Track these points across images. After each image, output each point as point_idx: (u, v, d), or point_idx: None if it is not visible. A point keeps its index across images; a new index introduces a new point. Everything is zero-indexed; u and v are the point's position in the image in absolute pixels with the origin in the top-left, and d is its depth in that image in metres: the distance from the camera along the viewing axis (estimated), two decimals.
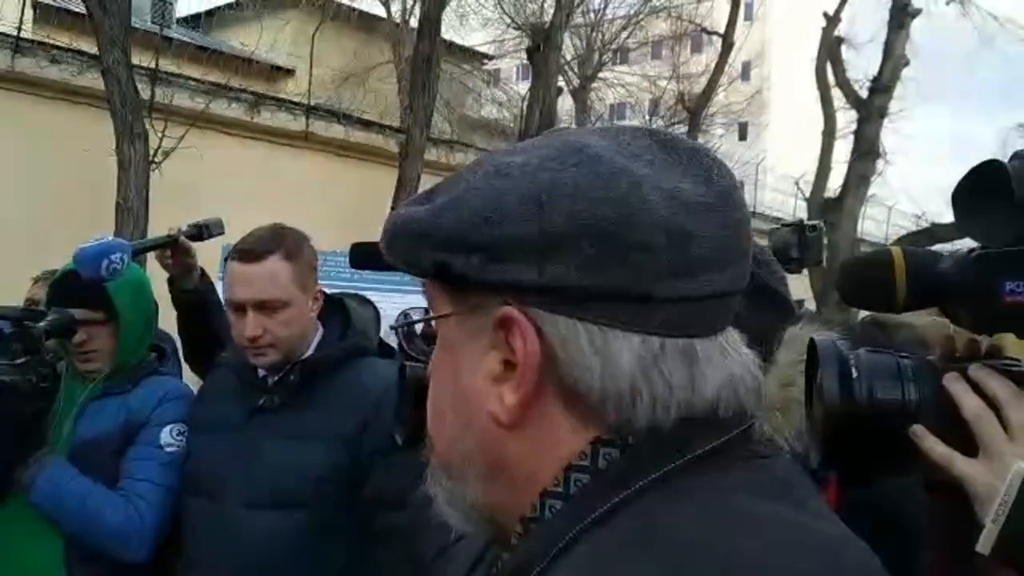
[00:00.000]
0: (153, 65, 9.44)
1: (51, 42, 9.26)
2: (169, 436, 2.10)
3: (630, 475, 0.62)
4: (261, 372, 2.07)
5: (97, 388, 2.13)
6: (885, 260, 1.01)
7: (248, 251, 2.02)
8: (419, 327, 1.62)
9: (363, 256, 0.95)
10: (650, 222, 0.61)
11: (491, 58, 19.01)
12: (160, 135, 8.79)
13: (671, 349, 0.63)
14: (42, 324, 2.06)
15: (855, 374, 0.96)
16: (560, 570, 0.60)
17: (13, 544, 2.02)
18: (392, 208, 9.41)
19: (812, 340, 1.02)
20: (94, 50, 8.43)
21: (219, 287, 2.30)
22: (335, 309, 2.16)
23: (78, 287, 2.00)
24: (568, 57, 16.27)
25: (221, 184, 8.75)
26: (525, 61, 14.19)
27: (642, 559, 0.56)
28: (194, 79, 10.02)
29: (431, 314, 0.72)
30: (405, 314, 1.63)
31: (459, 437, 0.69)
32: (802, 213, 13.67)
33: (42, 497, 1.98)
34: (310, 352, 2.08)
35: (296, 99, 10.90)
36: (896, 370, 0.97)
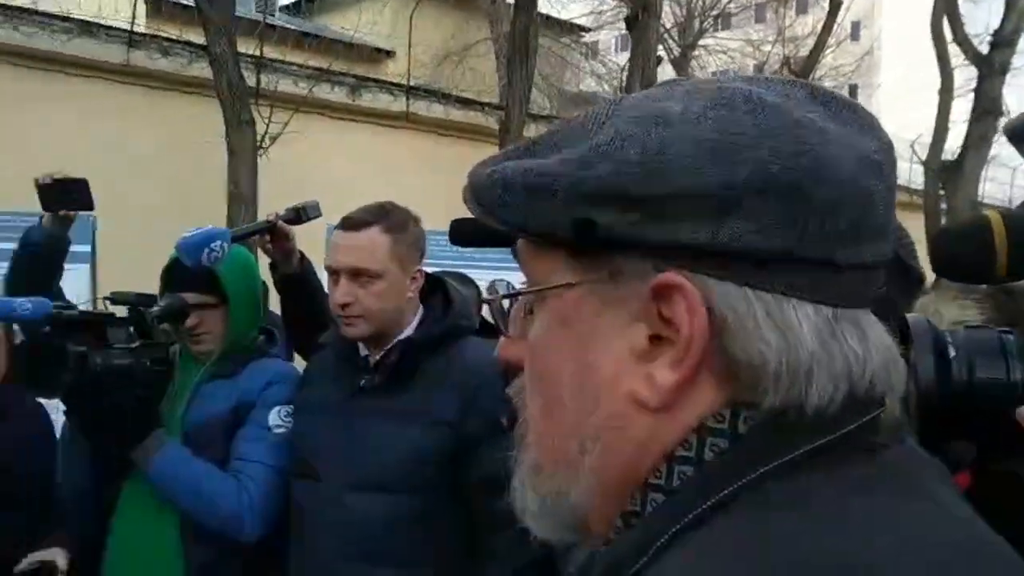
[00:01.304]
0: (258, 53, 9.68)
1: (162, 35, 9.58)
2: (277, 417, 2.13)
3: (748, 465, 0.54)
4: (363, 352, 2.08)
5: (209, 371, 2.17)
6: (982, 225, 0.91)
7: (351, 220, 2.04)
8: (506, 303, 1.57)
9: (464, 232, 0.90)
10: (838, 180, 0.54)
11: (589, 30, 18.75)
12: (267, 121, 9.01)
13: (844, 321, 0.55)
14: (155, 309, 2.11)
15: (952, 353, 0.88)
16: (659, 572, 0.54)
17: (134, 521, 2.09)
18: None
19: (904, 319, 0.93)
20: (202, 40, 8.69)
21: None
22: (436, 289, 2.15)
23: (189, 272, 2.04)
24: (667, 25, 15.90)
25: (326, 167, 8.93)
26: (623, 31, 13.94)
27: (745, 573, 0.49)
28: (297, 64, 10.23)
29: (528, 285, 0.63)
30: (494, 287, 1.58)
31: (578, 424, 0.60)
32: (918, 177, 13.03)
33: (158, 477, 2.04)
34: (410, 332, 2.06)
35: (396, 80, 11.00)
36: (999, 348, 0.88)
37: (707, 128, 0.55)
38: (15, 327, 2.32)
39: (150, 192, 8.25)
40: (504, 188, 0.59)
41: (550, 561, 1.90)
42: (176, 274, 2.13)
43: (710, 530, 0.53)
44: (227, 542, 2.05)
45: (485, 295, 1.69)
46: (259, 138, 8.75)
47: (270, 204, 8.22)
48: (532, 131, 10.36)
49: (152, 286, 2.40)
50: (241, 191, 8.51)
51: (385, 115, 10.61)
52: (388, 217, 2.05)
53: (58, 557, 2.09)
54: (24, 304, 2.02)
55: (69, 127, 8.14)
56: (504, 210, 0.60)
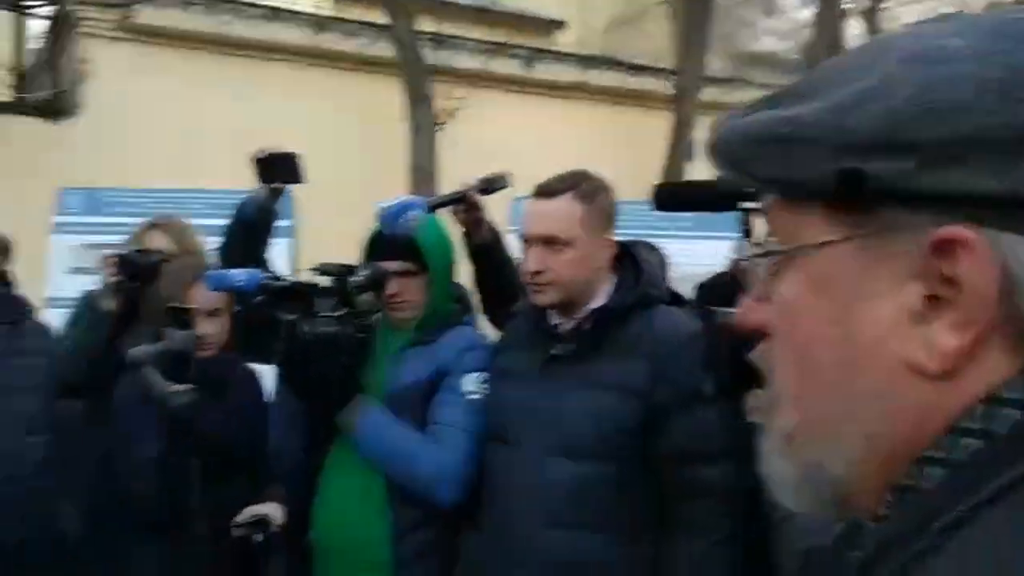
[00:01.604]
0: (436, 30, 9.90)
1: (346, 17, 9.97)
2: (472, 384, 2.18)
3: None
4: (554, 321, 2.08)
5: (408, 339, 2.25)
6: None
7: (543, 188, 2.05)
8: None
9: (668, 197, 0.86)
10: None
11: None
12: (444, 97, 9.22)
13: None
14: (356, 279, 2.20)
15: None
16: (946, 554, 0.50)
17: (341, 482, 2.20)
18: (672, 152, 9.26)
19: None
20: (384, 21, 8.97)
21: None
22: (625, 257, 2.12)
23: (391, 241, 2.11)
24: None
25: (502, 140, 9.02)
26: None
27: None
28: (473, 39, 10.38)
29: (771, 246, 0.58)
30: (743, 247, 1.50)
31: (840, 392, 0.55)
32: None
33: (362, 441, 2.14)
34: (603, 300, 2.05)
35: (568, 51, 10.96)
36: None
37: (993, 64, 0.49)
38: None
39: (339, 168, 8.62)
40: (757, 141, 0.55)
41: (755, 535, 1.86)
42: (378, 243, 2.21)
43: (1009, 507, 0.48)
44: (429, 505, 2.12)
45: (735, 255, 1.64)
46: (438, 114, 8.98)
47: (449, 177, 8.43)
48: (708, 96, 10.08)
49: (343, 257, 2.52)
50: (422, 165, 8.77)
51: (558, 86, 10.61)
52: (580, 185, 2.04)
53: (274, 511, 2.23)
54: (239, 275, 2.15)
55: (266, 108, 8.61)
56: (757, 164, 0.56)
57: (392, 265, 2.20)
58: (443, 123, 9.02)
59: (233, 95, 8.84)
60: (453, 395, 2.18)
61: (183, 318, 2.17)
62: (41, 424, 2.38)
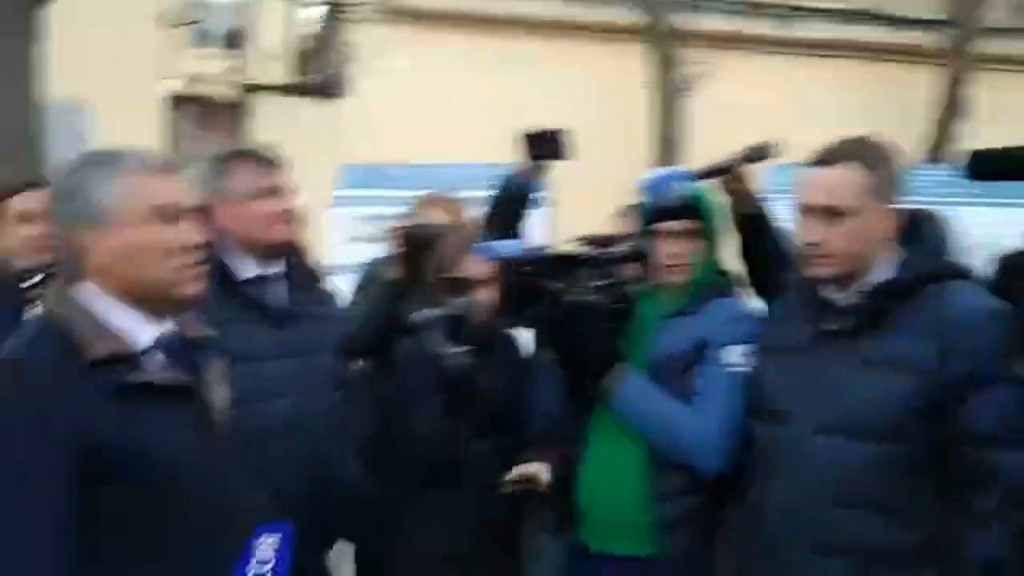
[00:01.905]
0: None
1: None
2: (736, 356, 2.16)
3: None
4: (830, 294, 2.01)
5: (671, 308, 2.26)
6: None
7: (823, 155, 1.96)
8: None
9: (987, 165, 0.81)
10: None
11: None
12: (692, 62, 9.04)
13: None
14: (619, 249, 2.25)
15: None
16: None
17: (603, 449, 2.26)
18: (945, 112, 8.56)
19: None
20: None
21: None
22: (909, 228, 2.00)
23: (675, 205, 2.13)
24: None
25: (753, 104, 8.72)
26: None
27: None
28: (724, 0, 10.07)
29: None
30: None
31: None
32: None
33: (624, 407, 2.19)
34: (887, 275, 1.94)
35: (829, 6, 10.35)
36: None
37: None
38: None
39: (587, 139, 8.71)
40: None
41: None
42: (656, 208, 2.21)
43: None
44: (691, 473, 2.14)
45: None
46: (684, 79, 8.82)
47: (696, 145, 8.29)
48: (987, 48, 9.17)
49: (595, 227, 2.57)
50: (667, 133, 8.68)
51: (817, 44, 10.06)
52: (863, 152, 1.93)
53: (542, 472, 2.33)
54: (506, 246, 2.27)
55: (521, 82, 8.86)
56: None
57: (675, 225, 2.21)
58: (690, 89, 8.85)
59: (491, 70, 9.16)
60: (716, 367, 2.17)
61: (459, 286, 2.32)
62: (332, 383, 2.61)
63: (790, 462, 1.95)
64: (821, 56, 10.05)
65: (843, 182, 1.90)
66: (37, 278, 2.69)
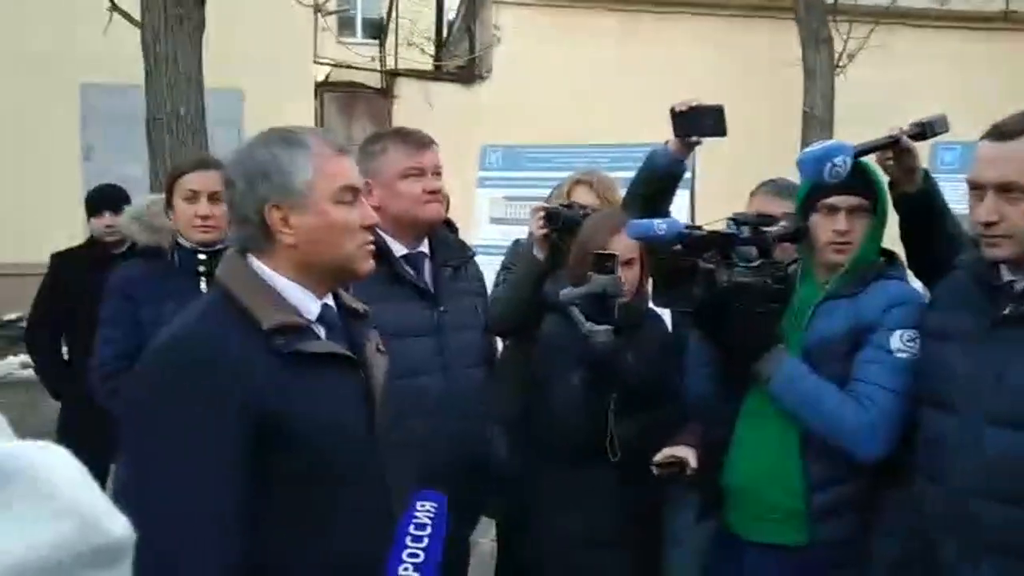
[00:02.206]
0: None
1: None
2: (899, 341, 2.06)
3: None
4: (1006, 277, 1.88)
5: (829, 289, 2.18)
6: None
7: (1001, 127, 1.83)
8: None
9: None
10: None
11: None
12: (845, 38, 8.67)
13: None
14: (775, 229, 2.18)
15: None
16: None
17: (756, 431, 2.21)
18: None
19: None
20: None
21: None
22: None
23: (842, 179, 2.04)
24: None
25: (911, 81, 8.31)
26: None
27: None
28: None
29: None
30: None
31: None
32: None
33: (779, 391, 2.12)
34: None
35: None
36: None
37: None
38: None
39: (731, 119, 8.53)
40: None
41: None
42: (820, 182, 2.11)
43: None
44: (846, 460, 2.06)
45: None
46: (836, 56, 8.48)
47: (847, 124, 7.98)
48: None
49: (740, 206, 2.49)
50: (816, 112, 8.37)
51: (979, 17, 9.48)
52: None
53: (689, 455, 2.30)
54: (660, 224, 2.23)
55: (660, 61, 8.73)
56: None
57: (842, 200, 2.13)
58: (843, 66, 8.49)
59: (633, 51, 9.08)
60: (878, 352, 2.07)
61: (606, 264, 2.30)
62: (480, 358, 2.66)
63: (956, 453, 1.86)
64: (987, 29, 9.46)
65: (1021, 156, 1.78)
66: (204, 254, 2.86)
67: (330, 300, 1.71)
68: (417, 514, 1.29)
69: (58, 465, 0.52)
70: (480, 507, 2.78)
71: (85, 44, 7.91)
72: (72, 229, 7.82)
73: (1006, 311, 1.84)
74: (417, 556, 1.24)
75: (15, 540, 0.48)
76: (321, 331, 1.65)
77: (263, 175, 1.60)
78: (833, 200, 2.13)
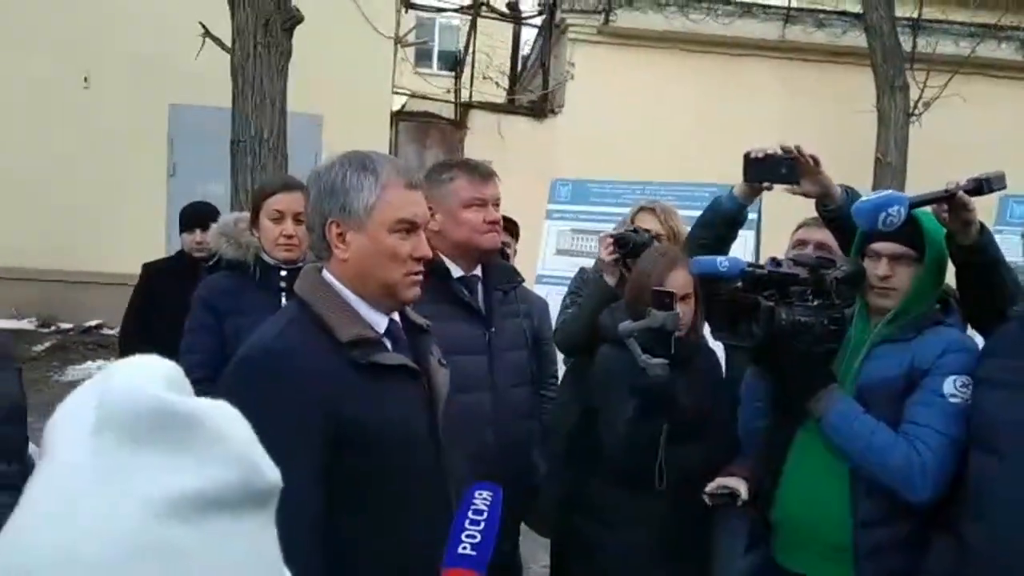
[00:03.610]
0: (915, 15, 9.27)
1: (818, 8, 9.76)
2: (952, 387, 2.10)
3: None
4: None
5: (882, 333, 2.23)
6: None
7: None
8: None
9: None
10: None
11: None
12: (921, 86, 8.62)
13: None
14: (834, 272, 2.24)
15: None
16: None
17: (806, 468, 2.26)
18: None
19: None
20: (857, 9, 8.63)
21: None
22: None
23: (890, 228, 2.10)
24: None
25: (987, 132, 8.21)
26: None
27: None
28: (959, 23, 9.54)
29: None
30: None
31: None
32: None
33: (831, 429, 2.17)
34: None
35: None
36: None
37: None
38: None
39: None
40: None
41: None
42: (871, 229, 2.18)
43: None
44: (895, 501, 2.10)
45: None
46: (912, 104, 8.43)
47: (920, 172, 7.91)
48: None
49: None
50: (890, 159, 8.32)
51: None
52: None
53: (741, 487, 2.36)
54: (723, 262, 2.31)
55: (732, 103, 8.79)
56: None
57: (887, 247, 2.19)
58: (918, 114, 8.44)
59: (705, 91, 9.15)
60: (931, 396, 2.12)
61: (665, 300, 2.38)
62: (524, 377, 2.77)
63: (1008, 499, 1.89)
64: None
65: None
66: (285, 271, 3.02)
67: (396, 316, 1.83)
68: (475, 502, 1.41)
69: (231, 418, 0.65)
70: (519, 519, 2.87)
71: (176, 66, 8.30)
72: (156, 242, 8.19)
73: None
74: (474, 537, 1.35)
75: (192, 475, 0.60)
76: (389, 344, 1.78)
77: (331, 192, 1.75)
78: (877, 246, 2.20)
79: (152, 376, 0.63)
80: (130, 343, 4.31)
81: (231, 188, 5.98)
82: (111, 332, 8.99)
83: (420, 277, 1.81)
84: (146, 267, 4.44)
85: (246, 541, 0.63)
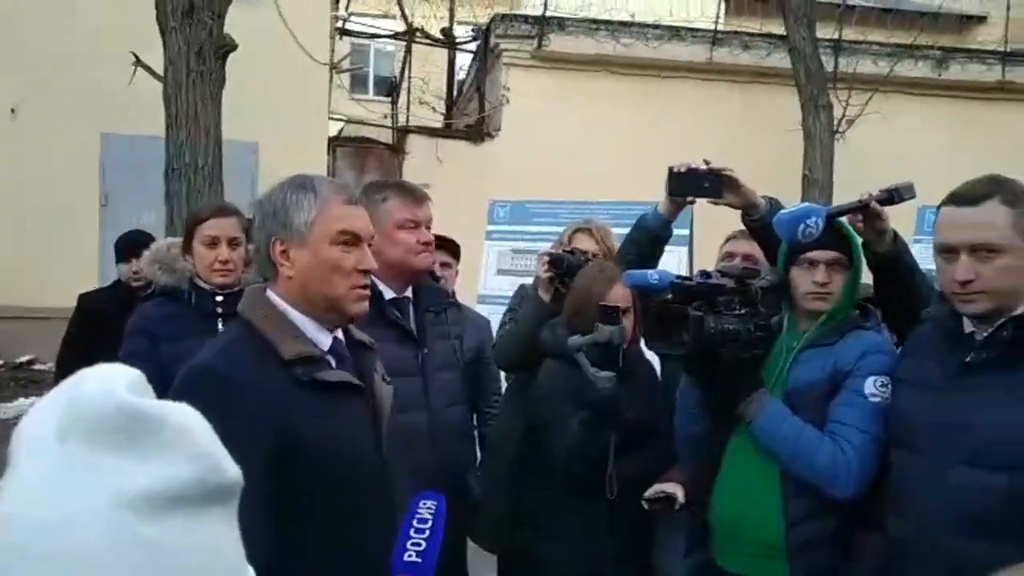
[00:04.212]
0: (836, 36, 9.60)
1: (743, 31, 10.05)
2: (873, 387, 2.20)
3: None
4: (968, 328, 2.03)
5: (808, 338, 2.33)
6: None
7: (963, 195, 1.99)
8: None
9: None
10: None
11: None
12: (844, 104, 8.92)
13: None
14: (759, 282, 2.34)
15: None
16: None
17: (739, 470, 2.34)
18: None
19: None
20: (781, 31, 8.92)
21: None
22: None
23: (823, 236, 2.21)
24: None
25: (906, 147, 8.53)
26: None
27: None
28: (877, 43, 9.92)
29: None
30: None
31: None
32: None
33: (761, 432, 2.26)
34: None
35: (990, 48, 10.03)
36: None
37: None
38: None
39: None
40: None
41: None
42: (804, 238, 2.28)
43: None
44: (823, 498, 2.19)
45: None
46: (836, 122, 8.71)
47: (845, 188, 8.16)
48: None
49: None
50: (816, 176, 8.57)
51: (975, 87, 9.76)
52: (1004, 188, 1.96)
53: (678, 492, 2.43)
54: (654, 275, 2.40)
55: (663, 123, 8.98)
56: None
57: (825, 255, 2.29)
58: (842, 132, 8.73)
59: (634, 112, 9.34)
60: (853, 396, 2.22)
61: (611, 315, 2.46)
62: (458, 396, 2.81)
63: (926, 493, 1.98)
64: (982, 100, 9.72)
65: (992, 219, 1.93)
66: (221, 295, 3.02)
67: (340, 334, 1.87)
68: (420, 511, 1.45)
69: (194, 419, 0.69)
70: (461, 535, 2.90)
71: (108, 95, 8.19)
72: (88, 273, 8.03)
73: (969, 359, 1.98)
74: (420, 545, 1.39)
75: (157, 473, 0.64)
76: (332, 362, 1.81)
77: (273, 213, 1.80)
78: (813, 255, 2.30)
79: (117, 381, 0.67)
80: (67, 376, 4.22)
81: (166, 217, 5.91)
82: (44, 367, 8.78)
83: (367, 291, 1.83)
84: (82, 298, 4.38)
85: (210, 536, 0.67)
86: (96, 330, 4.02)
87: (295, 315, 1.79)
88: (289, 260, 1.78)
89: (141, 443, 0.64)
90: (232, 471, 0.69)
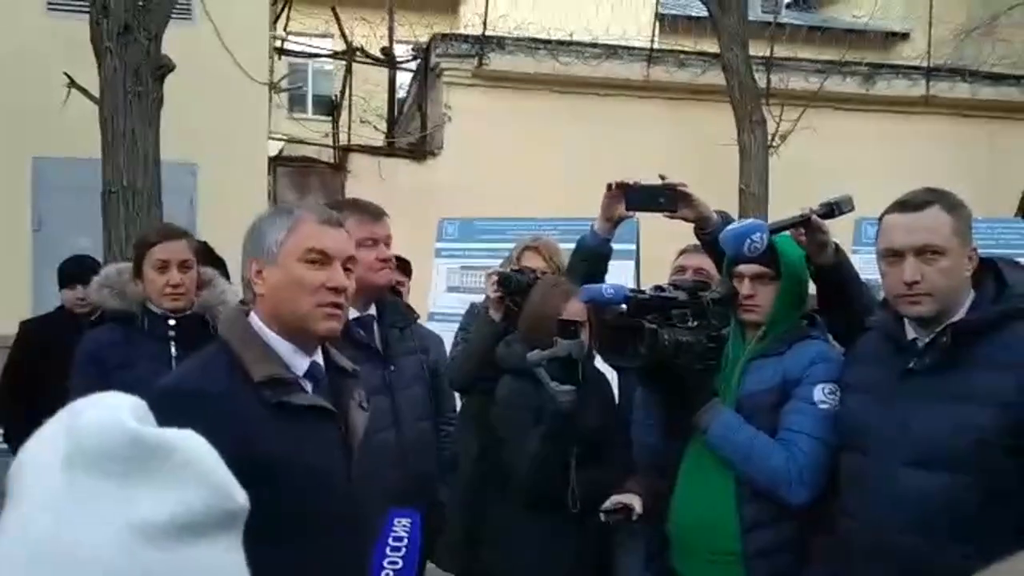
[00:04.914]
0: (768, 54, 9.86)
1: (678, 49, 10.25)
2: (821, 394, 2.28)
3: None
4: (910, 335, 2.12)
5: (756, 349, 2.40)
6: None
7: (907, 202, 2.09)
8: None
9: None
10: None
11: None
12: (777, 120, 9.15)
13: None
14: (709, 294, 2.40)
15: None
16: None
17: (695, 478, 2.40)
18: None
19: None
20: (714, 49, 9.12)
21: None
22: (987, 272, 2.11)
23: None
24: None
25: (839, 160, 8.78)
26: None
27: None
28: (807, 60, 10.20)
29: None
30: None
31: None
32: None
33: (715, 440, 2.32)
34: (962, 314, 2.06)
35: (914, 63, 10.40)
36: None
37: None
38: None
39: None
40: None
41: None
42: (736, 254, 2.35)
43: None
44: (776, 503, 2.25)
45: None
46: (769, 137, 8.93)
47: (781, 200, 8.36)
48: None
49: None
50: (752, 190, 8.76)
51: (901, 101, 10.10)
52: (944, 197, 2.08)
53: (635, 502, 2.48)
54: (608, 289, 2.45)
55: (604, 140, 9.10)
56: None
57: (749, 269, 2.36)
58: (776, 146, 8.96)
59: (574, 129, 9.45)
60: (803, 403, 2.29)
61: (570, 329, 2.50)
62: (425, 412, 2.81)
63: (875, 494, 2.06)
64: (909, 113, 10.07)
65: (936, 223, 2.04)
66: (174, 319, 2.99)
67: (319, 357, 1.86)
68: (395, 529, 1.45)
69: (201, 446, 0.69)
70: (427, 554, 2.90)
71: (39, 117, 8.00)
72: (21, 299, 7.81)
73: (911, 365, 2.07)
74: (396, 564, 1.39)
75: (169, 501, 0.65)
76: (308, 385, 1.80)
77: (251, 236, 1.83)
78: (740, 268, 2.39)
79: (121, 408, 0.67)
80: (9, 404, 4.12)
81: (104, 240, 5.78)
82: None
83: (337, 311, 1.79)
84: (23, 325, 4.27)
85: (219, 561, 0.67)
86: (40, 357, 3.93)
87: (271, 337, 1.78)
88: (262, 279, 1.79)
89: (150, 470, 0.65)
90: (240, 497, 0.70)
